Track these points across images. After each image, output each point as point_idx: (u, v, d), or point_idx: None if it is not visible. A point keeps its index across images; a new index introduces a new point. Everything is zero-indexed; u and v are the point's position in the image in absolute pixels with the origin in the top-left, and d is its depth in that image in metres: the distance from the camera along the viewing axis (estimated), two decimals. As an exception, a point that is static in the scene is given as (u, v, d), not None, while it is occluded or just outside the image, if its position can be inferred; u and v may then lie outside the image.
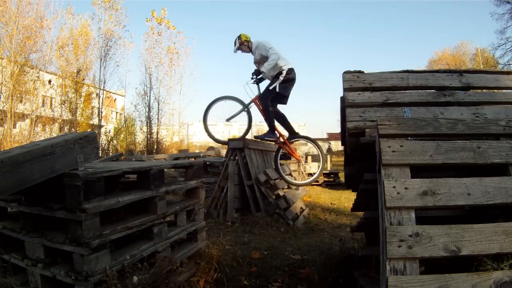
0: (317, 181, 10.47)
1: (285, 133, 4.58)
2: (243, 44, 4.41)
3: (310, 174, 10.84)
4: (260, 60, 4.39)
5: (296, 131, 4.77)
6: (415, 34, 67.20)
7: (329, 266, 2.54)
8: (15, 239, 1.86)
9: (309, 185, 5.45)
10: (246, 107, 4.43)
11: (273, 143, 4.69)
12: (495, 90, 2.34)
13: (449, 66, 24.01)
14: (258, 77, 4.48)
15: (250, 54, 4.46)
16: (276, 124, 4.45)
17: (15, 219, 1.96)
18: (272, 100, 4.28)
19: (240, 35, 4.44)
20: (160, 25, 18.08)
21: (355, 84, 2.22)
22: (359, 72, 2.28)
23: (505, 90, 2.32)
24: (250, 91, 4.45)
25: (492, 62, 23.08)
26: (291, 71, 4.23)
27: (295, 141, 4.60)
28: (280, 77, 4.17)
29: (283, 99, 4.37)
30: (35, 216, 1.79)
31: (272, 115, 4.32)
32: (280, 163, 5.77)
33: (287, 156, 7.35)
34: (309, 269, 2.65)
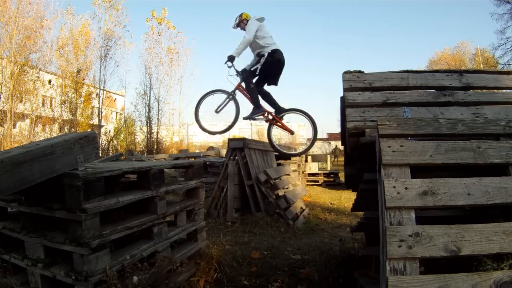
0: (317, 181, 10.49)
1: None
2: (242, 22, 4.50)
3: (311, 174, 10.88)
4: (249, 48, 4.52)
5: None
6: (415, 34, 67.13)
7: (329, 266, 2.54)
8: (15, 239, 1.86)
9: (302, 155, 5.41)
10: (231, 95, 4.53)
11: (263, 119, 4.67)
12: (495, 90, 2.33)
13: (449, 66, 24.01)
14: (241, 70, 4.57)
15: None
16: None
17: (15, 219, 1.96)
18: (258, 83, 4.39)
19: (242, 13, 4.54)
20: (160, 25, 18.10)
21: (355, 84, 2.22)
22: (359, 72, 2.28)
23: (505, 90, 2.32)
24: (233, 80, 4.54)
25: (492, 62, 23.07)
26: (273, 53, 4.28)
27: (284, 115, 4.59)
28: (261, 60, 4.26)
29: (269, 80, 4.44)
30: (35, 216, 1.79)
31: (254, 91, 4.41)
32: (279, 163, 5.79)
33: (287, 156, 7.37)
34: (309, 269, 2.65)
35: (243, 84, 4.45)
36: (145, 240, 2.04)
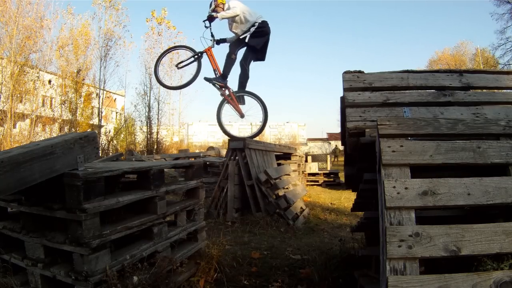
0: (317, 181, 10.49)
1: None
2: (218, 6, 4.48)
3: (311, 174, 10.89)
4: (230, 22, 4.55)
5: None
6: (415, 34, 67.37)
7: (329, 266, 2.54)
8: (15, 239, 1.86)
9: (254, 137, 5.40)
10: (196, 55, 4.55)
11: (219, 90, 4.75)
12: (495, 90, 2.33)
13: (449, 66, 24.01)
14: (218, 38, 4.64)
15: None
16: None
17: (15, 219, 1.96)
18: (245, 57, 4.48)
19: None
20: (160, 25, 18.11)
21: (355, 84, 2.22)
22: (359, 72, 2.28)
23: (505, 90, 2.32)
24: (205, 43, 4.63)
25: (492, 62, 23.07)
26: (263, 24, 4.39)
27: (240, 95, 4.74)
28: (251, 29, 4.34)
29: (258, 54, 4.52)
30: (35, 216, 1.79)
31: (231, 62, 4.50)
32: (279, 163, 5.78)
33: (287, 156, 7.36)
34: (309, 269, 2.65)
35: (213, 50, 4.60)
36: (145, 240, 2.04)
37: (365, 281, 2.09)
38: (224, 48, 4.70)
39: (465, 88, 2.20)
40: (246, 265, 2.78)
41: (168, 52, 5.09)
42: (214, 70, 4.66)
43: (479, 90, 2.24)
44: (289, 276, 2.63)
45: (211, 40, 4.58)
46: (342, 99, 2.32)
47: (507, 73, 2.34)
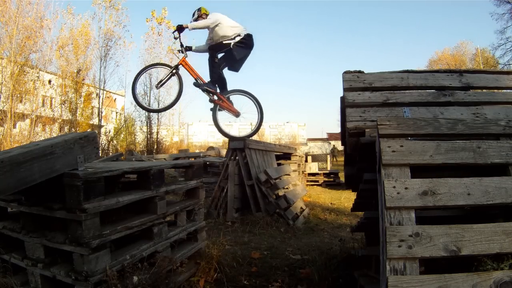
0: (317, 181, 10.50)
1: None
2: (201, 17, 4.32)
3: (311, 174, 10.89)
4: (211, 32, 4.35)
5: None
6: (415, 34, 67.42)
7: (329, 266, 2.54)
8: (15, 239, 1.86)
9: (251, 137, 5.15)
10: (173, 69, 4.37)
11: (209, 96, 4.52)
12: (495, 90, 2.33)
13: (449, 66, 24.01)
14: (186, 45, 4.43)
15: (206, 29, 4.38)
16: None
17: (15, 219, 1.96)
18: (220, 63, 4.29)
19: (200, 7, 4.39)
20: (160, 25, 18.06)
21: (355, 84, 2.22)
22: (359, 72, 2.28)
23: (505, 90, 2.32)
24: (180, 55, 4.41)
25: (492, 62, 23.08)
26: (249, 37, 4.25)
27: (230, 95, 4.51)
28: (236, 38, 4.16)
29: (235, 63, 4.34)
30: (35, 216, 1.79)
31: (216, 67, 4.28)
32: (279, 163, 5.75)
33: (287, 156, 7.36)
34: (309, 269, 2.65)
35: (187, 60, 4.36)
36: (145, 240, 2.04)
37: (365, 281, 2.09)
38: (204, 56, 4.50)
39: (465, 88, 2.20)
40: (246, 265, 2.79)
41: (144, 72, 4.88)
42: (196, 79, 4.44)
43: (479, 90, 2.24)
44: (289, 276, 2.63)
45: (180, 50, 4.36)
46: (342, 99, 2.32)
47: (507, 73, 2.34)
